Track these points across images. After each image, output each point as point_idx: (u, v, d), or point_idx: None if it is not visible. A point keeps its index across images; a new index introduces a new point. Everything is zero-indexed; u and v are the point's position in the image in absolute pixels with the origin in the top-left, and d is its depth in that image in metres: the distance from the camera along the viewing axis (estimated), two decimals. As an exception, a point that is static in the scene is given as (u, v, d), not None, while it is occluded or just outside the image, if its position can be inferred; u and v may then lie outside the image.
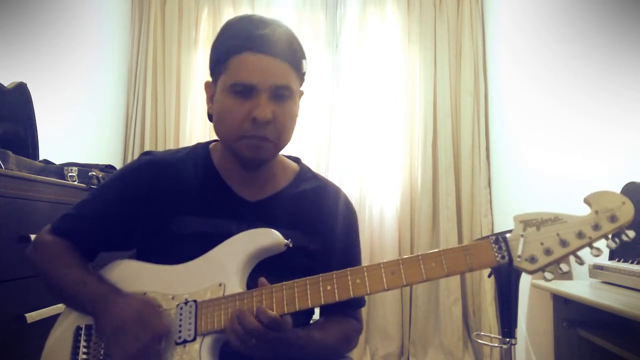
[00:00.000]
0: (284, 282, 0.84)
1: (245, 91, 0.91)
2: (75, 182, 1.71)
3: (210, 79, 1.00)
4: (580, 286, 1.50)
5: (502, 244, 0.78)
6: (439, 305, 2.96)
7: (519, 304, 1.54)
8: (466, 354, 2.90)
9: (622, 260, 1.48)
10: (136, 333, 0.83)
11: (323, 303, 0.82)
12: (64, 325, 0.95)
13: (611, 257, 1.53)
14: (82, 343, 0.91)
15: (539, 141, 2.40)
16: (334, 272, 0.83)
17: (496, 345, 1.61)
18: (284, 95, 0.93)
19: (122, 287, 0.93)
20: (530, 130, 2.49)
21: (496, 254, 0.78)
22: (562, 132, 2.17)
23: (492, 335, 2.60)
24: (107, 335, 0.87)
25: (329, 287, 0.82)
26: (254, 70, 0.90)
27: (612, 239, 0.75)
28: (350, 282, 0.82)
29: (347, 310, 1.06)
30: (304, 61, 0.97)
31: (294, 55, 0.94)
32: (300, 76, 0.98)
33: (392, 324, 2.93)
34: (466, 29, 3.12)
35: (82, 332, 0.93)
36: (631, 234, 0.73)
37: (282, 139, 0.96)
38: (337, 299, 0.82)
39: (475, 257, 0.78)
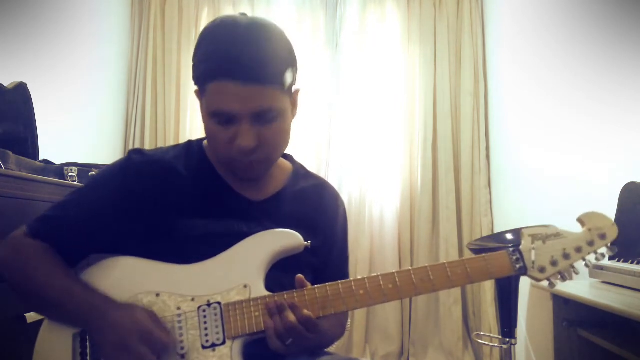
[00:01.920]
0: (316, 286, 0.86)
1: (225, 119, 0.87)
2: (75, 182, 1.71)
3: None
4: (580, 286, 1.50)
5: (518, 255, 0.88)
6: (439, 306, 2.95)
7: (519, 304, 1.55)
8: (466, 354, 2.90)
9: (622, 260, 1.48)
10: (139, 350, 0.79)
11: (359, 307, 0.87)
12: (53, 329, 0.89)
13: (611, 257, 1.53)
14: (89, 349, 0.85)
15: (539, 141, 2.40)
16: (366, 277, 0.86)
17: (496, 345, 1.61)
18: (269, 117, 0.88)
19: (130, 287, 0.88)
20: (530, 130, 2.49)
21: (514, 264, 0.88)
22: (562, 132, 2.17)
23: (492, 335, 2.60)
24: (108, 352, 0.82)
25: (362, 292, 0.85)
26: (231, 100, 0.85)
27: (599, 253, 0.89)
28: (383, 287, 0.86)
29: None
30: (289, 72, 0.90)
31: (275, 75, 0.87)
32: (289, 89, 0.92)
33: (392, 324, 2.93)
34: (466, 29, 3.11)
35: (88, 337, 0.86)
36: (614, 250, 0.89)
37: (274, 157, 0.95)
38: (370, 304, 0.86)
39: (495, 267, 0.88)
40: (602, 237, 0.88)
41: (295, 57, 0.92)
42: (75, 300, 0.86)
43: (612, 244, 0.89)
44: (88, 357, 0.85)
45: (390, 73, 3.11)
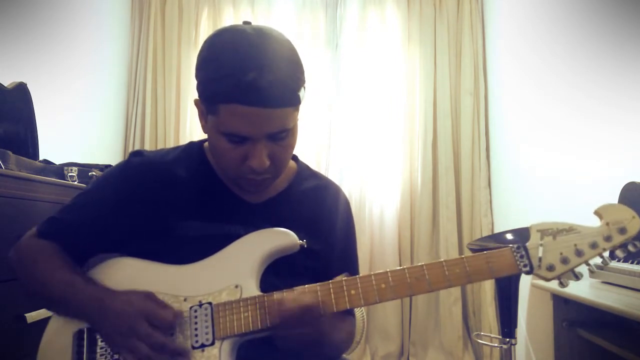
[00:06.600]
0: (307, 285, 0.84)
1: (238, 139, 0.86)
2: (75, 182, 1.71)
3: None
4: (580, 286, 1.51)
5: (523, 252, 0.81)
6: (439, 305, 2.96)
7: (519, 304, 1.55)
8: (466, 354, 2.90)
9: (622, 260, 1.49)
10: (147, 331, 0.80)
11: (348, 307, 0.82)
12: (57, 329, 0.91)
13: (611, 258, 1.53)
14: (86, 348, 0.86)
15: (539, 141, 2.40)
16: (358, 276, 0.83)
17: (496, 345, 1.61)
18: (282, 136, 0.88)
19: (124, 287, 0.88)
20: (530, 130, 2.49)
21: (518, 262, 0.81)
22: (562, 132, 2.17)
23: (492, 335, 2.60)
24: (116, 341, 0.83)
25: (353, 292, 0.82)
26: (247, 123, 0.83)
27: (619, 248, 0.80)
28: (375, 287, 0.82)
29: None
30: (302, 89, 0.88)
31: (291, 96, 0.85)
32: (299, 104, 0.90)
33: (392, 324, 2.93)
34: (466, 29, 3.11)
35: (85, 335, 0.87)
36: (637, 246, 0.79)
37: (282, 171, 0.95)
38: (362, 304, 0.82)
39: (497, 265, 0.81)
40: (622, 231, 0.78)
41: (304, 71, 0.90)
42: (78, 293, 0.88)
43: (635, 239, 0.79)
44: (84, 356, 0.86)
45: (390, 73, 3.11)
